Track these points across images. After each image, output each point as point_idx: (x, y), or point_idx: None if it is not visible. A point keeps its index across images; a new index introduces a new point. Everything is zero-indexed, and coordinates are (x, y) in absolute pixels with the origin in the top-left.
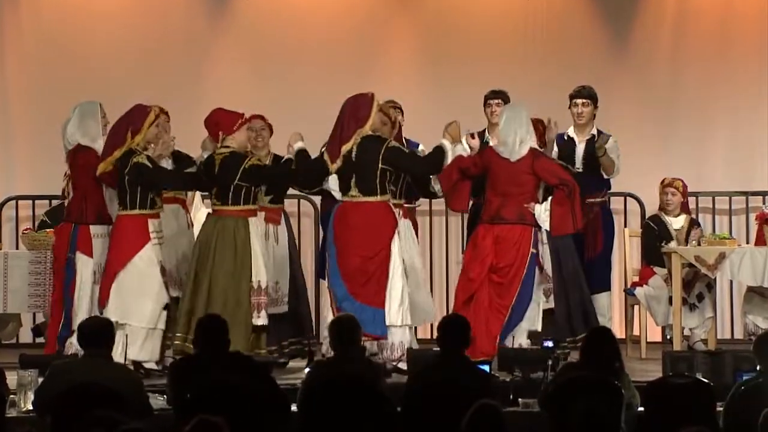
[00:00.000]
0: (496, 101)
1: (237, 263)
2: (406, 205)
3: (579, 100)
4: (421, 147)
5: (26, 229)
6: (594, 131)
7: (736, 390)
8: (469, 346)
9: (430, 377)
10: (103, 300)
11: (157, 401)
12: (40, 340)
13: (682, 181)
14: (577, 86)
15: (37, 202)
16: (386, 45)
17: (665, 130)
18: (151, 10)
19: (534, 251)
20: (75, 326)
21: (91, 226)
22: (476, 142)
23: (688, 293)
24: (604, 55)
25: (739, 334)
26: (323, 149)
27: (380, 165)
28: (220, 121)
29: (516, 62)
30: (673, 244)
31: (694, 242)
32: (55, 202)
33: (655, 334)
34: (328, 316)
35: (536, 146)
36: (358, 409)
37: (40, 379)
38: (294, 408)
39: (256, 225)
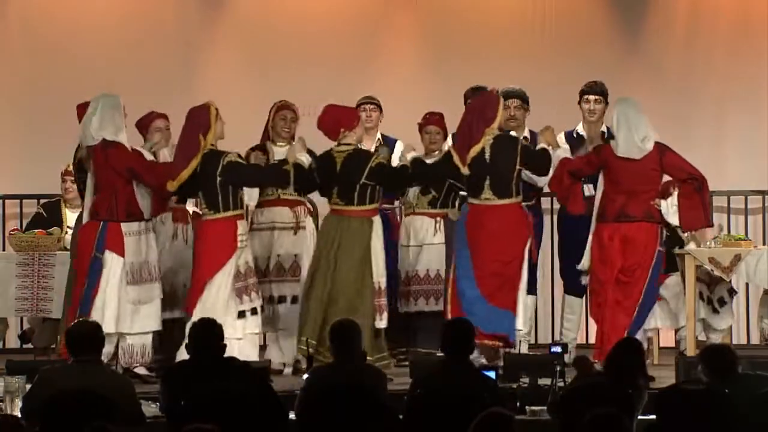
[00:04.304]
0: None
1: (362, 265)
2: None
3: (591, 96)
4: (398, 144)
5: (13, 230)
6: (604, 128)
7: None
8: (473, 351)
9: (433, 383)
10: (190, 308)
11: (150, 408)
12: (27, 346)
13: None
14: (589, 81)
15: (24, 201)
16: (389, 39)
17: (679, 128)
18: (140, 5)
19: (661, 249)
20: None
21: (122, 224)
22: (413, 153)
23: (711, 291)
24: (615, 51)
25: (755, 340)
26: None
27: (517, 166)
28: (341, 117)
29: (524, 58)
30: (691, 246)
31: (711, 243)
32: (43, 203)
33: (667, 339)
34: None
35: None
36: (358, 416)
37: (28, 386)
38: (292, 415)
39: (379, 224)
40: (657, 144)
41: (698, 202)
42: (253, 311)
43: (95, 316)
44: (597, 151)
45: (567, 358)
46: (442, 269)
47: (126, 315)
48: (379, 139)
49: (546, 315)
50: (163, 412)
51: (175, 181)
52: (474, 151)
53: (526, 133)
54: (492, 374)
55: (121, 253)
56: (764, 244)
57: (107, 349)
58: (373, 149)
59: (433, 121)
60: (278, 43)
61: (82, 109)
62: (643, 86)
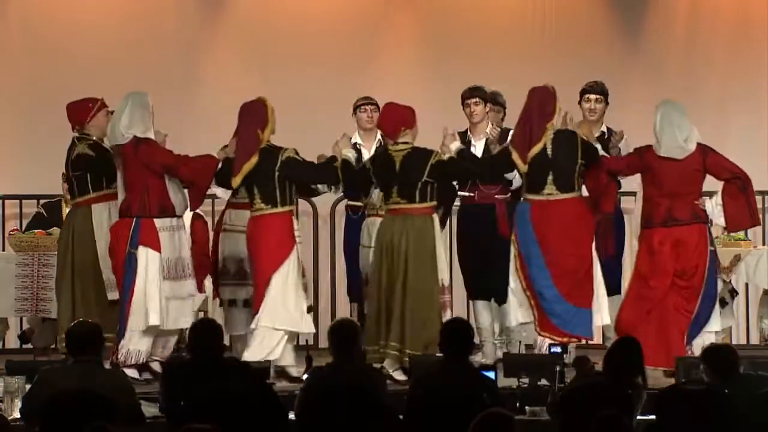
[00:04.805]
0: (474, 100)
1: (430, 264)
2: None
3: (592, 96)
4: None
5: (13, 230)
6: (604, 128)
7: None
8: (471, 352)
9: (432, 384)
10: (257, 305)
11: (150, 409)
12: (27, 346)
13: None
14: (589, 81)
15: (24, 201)
16: (388, 39)
17: None
18: (140, 5)
19: (712, 249)
20: (134, 325)
21: (155, 220)
22: (456, 143)
23: None
24: (616, 51)
25: (755, 340)
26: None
27: (579, 160)
28: (403, 116)
29: (524, 58)
30: None
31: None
32: (43, 203)
33: None
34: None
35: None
36: (357, 416)
37: (28, 386)
38: (292, 415)
39: (437, 222)
40: (699, 145)
41: (743, 201)
42: (309, 309)
43: (136, 312)
44: (639, 153)
45: (567, 358)
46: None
47: (168, 310)
48: (379, 139)
49: None
50: (163, 412)
51: (237, 176)
52: (537, 148)
53: (604, 128)
54: (491, 374)
55: (157, 248)
56: (764, 244)
57: (146, 347)
58: (372, 150)
59: None
60: (278, 44)
61: (72, 107)
62: (643, 86)
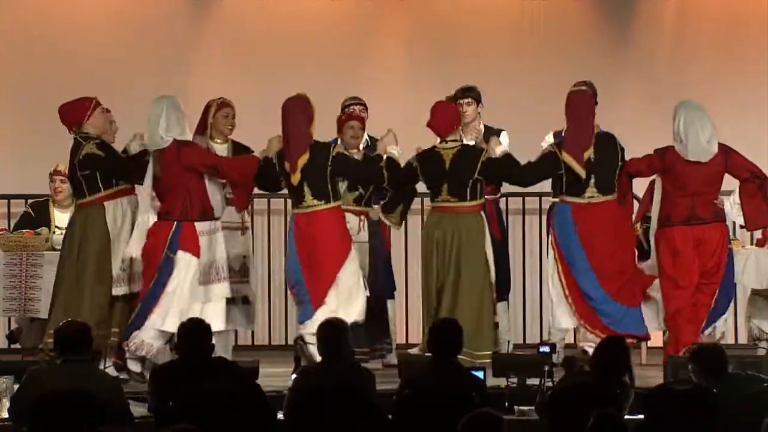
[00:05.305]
0: (466, 100)
1: (483, 263)
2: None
3: None
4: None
5: (1, 230)
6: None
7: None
8: (460, 351)
9: (422, 384)
10: (320, 299)
11: (138, 409)
12: (15, 346)
13: None
14: (578, 81)
15: (12, 201)
16: (378, 40)
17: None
18: (136, 5)
19: (731, 246)
20: (157, 324)
21: (196, 223)
22: (501, 147)
23: None
24: (604, 50)
25: (743, 339)
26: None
27: (619, 162)
28: (457, 116)
29: (516, 58)
30: None
31: None
32: (31, 202)
33: (655, 340)
34: None
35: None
36: (346, 416)
37: (16, 386)
38: (280, 416)
39: (485, 219)
40: (720, 145)
41: (761, 199)
42: None
43: (158, 314)
44: (660, 154)
45: (555, 358)
46: (366, 268)
47: (196, 315)
48: (366, 139)
49: (534, 315)
50: (152, 412)
51: (296, 173)
52: (588, 153)
53: None
54: (480, 374)
55: (196, 253)
56: (752, 244)
57: (158, 345)
58: (360, 149)
59: (356, 116)
60: (271, 44)
61: (68, 108)
62: (633, 84)
